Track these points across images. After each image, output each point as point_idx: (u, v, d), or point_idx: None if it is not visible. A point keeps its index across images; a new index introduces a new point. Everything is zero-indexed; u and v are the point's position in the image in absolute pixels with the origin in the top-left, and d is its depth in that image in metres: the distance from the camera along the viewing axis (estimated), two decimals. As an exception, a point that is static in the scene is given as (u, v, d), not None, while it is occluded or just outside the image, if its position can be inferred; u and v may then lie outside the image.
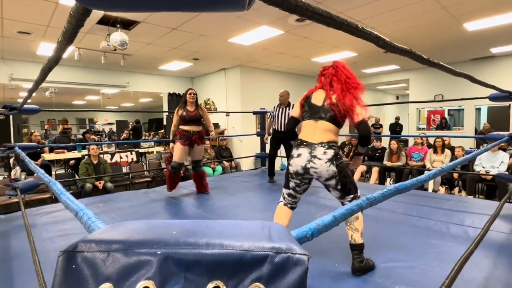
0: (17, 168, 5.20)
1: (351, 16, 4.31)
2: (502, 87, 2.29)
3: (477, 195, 4.80)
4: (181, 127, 3.44)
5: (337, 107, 1.67)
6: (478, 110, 8.62)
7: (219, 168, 6.44)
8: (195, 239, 0.32)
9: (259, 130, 5.37)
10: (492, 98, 2.57)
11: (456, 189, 5.00)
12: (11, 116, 4.74)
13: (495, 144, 2.15)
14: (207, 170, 6.30)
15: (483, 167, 4.64)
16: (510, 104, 7.38)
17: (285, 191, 1.87)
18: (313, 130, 1.71)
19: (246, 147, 7.83)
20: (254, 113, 5.45)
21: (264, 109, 5.16)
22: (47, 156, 5.95)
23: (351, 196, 1.73)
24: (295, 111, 1.90)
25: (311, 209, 2.88)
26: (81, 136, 7.52)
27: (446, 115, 8.90)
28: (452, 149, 5.35)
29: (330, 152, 1.64)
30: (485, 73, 7.20)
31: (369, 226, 2.34)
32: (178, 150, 3.42)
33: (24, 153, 2.42)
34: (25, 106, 2.74)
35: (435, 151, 5.25)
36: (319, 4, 3.91)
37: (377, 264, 1.74)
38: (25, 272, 1.76)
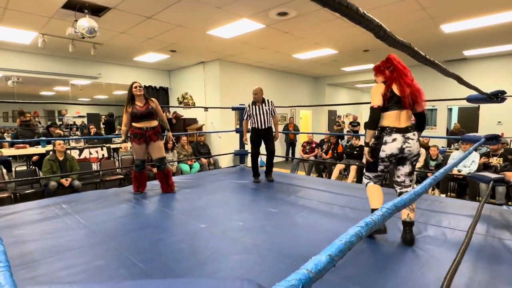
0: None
1: (331, 11, 4.25)
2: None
3: (449, 193, 4.95)
4: (133, 124, 3.18)
5: (409, 97, 1.98)
6: (450, 110, 8.96)
7: (196, 165, 6.24)
8: None
9: (238, 126, 5.23)
10: (470, 99, 2.58)
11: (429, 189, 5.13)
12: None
13: (476, 146, 2.15)
14: (184, 167, 6.07)
15: (455, 167, 4.78)
16: (479, 106, 7.70)
17: (371, 174, 2.18)
18: (399, 118, 2.02)
19: (225, 143, 7.65)
20: (234, 108, 5.30)
21: (243, 104, 5.02)
22: (7, 151, 5.48)
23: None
24: (378, 102, 2.00)
25: (291, 210, 2.80)
26: (45, 130, 7.00)
27: (420, 115, 9.17)
28: (427, 148, 5.48)
29: (416, 134, 2.06)
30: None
31: (338, 227, 2.29)
32: (135, 150, 3.26)
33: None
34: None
35: (411, 150, 5.34)
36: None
37: (354, 272, 1.67)
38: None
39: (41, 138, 5.53)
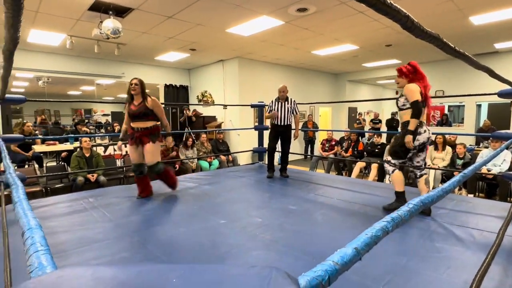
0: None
1: (351, 5, 4.15)
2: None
3: (477, 194, 4.72)
4: (131, 124, 2.98)
5: (429, 98, 2.50)
6: (479, 106, 8.53)
7: (215, 162, 6.31)
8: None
9: (257, 123, 5.24)
10: (502, 94, 2.44)
11: (456, 187, 4.92)
12: (-1, 106, 4.57)
13: (508, 144, 2.04)
14: (203, 164, 6.17)
15: (485, 165, 4.55)
16: (511, 101, 7.28)
17: (397, 161, 2.60)
18: (424, 114, 2.48)
19: (244, 141, 7.69)
20: (252, 106, 5.31)
21: (263, 102, 5.02)
22: (39, 147, 5.79)
23: None
24: (420, 98, 2.42)
25: (310, 208, 2.78)
26: (73, 128, 7.34)
27: (446, 111, 8.80)
28: (453, 145, 5.25)
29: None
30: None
31: (359, 225, 2.25)
32: (129, 152, 3.09)
33: (14, 144, 2.27)
34: (9, 96, 2.58)
35: (436, 148, 5.15)
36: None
37: (378, 271, 1.63)
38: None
39: (69, 135, 5.79)
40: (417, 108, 2.38)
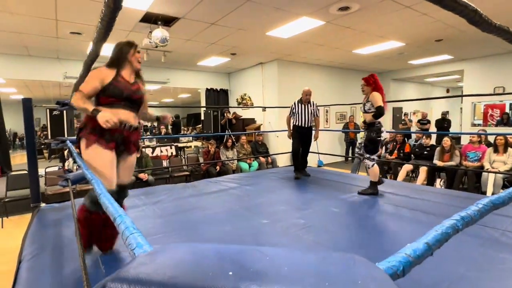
0: (70, 159, 5.62)
1: (397, 0, 3.96)
2: None
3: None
4: (106, 110, 1.63)
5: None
6: (548, 103, 7.58)
7: (255, 164, 6.40)
8: (260, 287, 0.23)
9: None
10: None
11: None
12: (64, 112, 5.11)
13: None
14: (243, 165, 6.29)
15: (557, 170, 4.03)
16: None
17: (375, 155, 3.15)
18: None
19: (282, 143, 7.69)
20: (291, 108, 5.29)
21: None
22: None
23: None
24: (382, 104, 3.02)
25: (353, 211, 2.70)
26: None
27: (507, 110, 7.94)
28: (517, 148, 4.73)
29: None
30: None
31: (408, 231, 2.12)
32: (102, 160, 1.69)
33: (75, 146, 2.55)
34: (75, 102, 2.89)
35: (496, 150, 4.68)
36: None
37: (435, 280, 1.54)
38: (74, 261, 1.84)
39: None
40: (380, 111, 2.99)
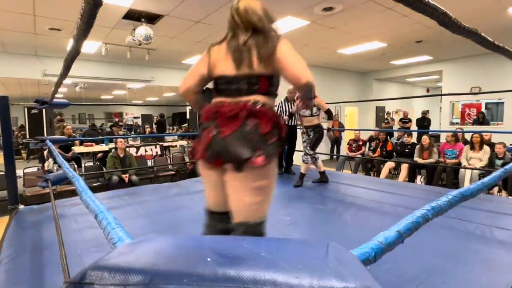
0: (50, 160, 5.45)
1: (379, 2, 4.06)
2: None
3: (519, 196, 4.42)
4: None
5: None
6: (521, 103, 7.95)
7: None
8: (237, 272, 0.24)
9: (282, 124, 5.32)
10: (546, 89, 2.29)
11: (496, 189, 4.64)
12: (43, 110, 4.94)
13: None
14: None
15: (528, 166, 4.25)
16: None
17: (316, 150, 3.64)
18: None
19: (269, 141, 7.72)
20: (278, 107, 5.34)
21: (288, 103, 5.05)
22: (77, 148, 6.19)
23: None
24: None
25: (338, 208, 2.76)
26: (109, 129, 7.77)
27: (483, 109, 8.30)
28: (491, 145, 4.96)
29: None
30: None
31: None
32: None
33: (55, 145, 2.48)
34: (55, 100, 2.81)
35: (472, 148, 4.89)
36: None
37: (413, 272, 1.60)
38: (54, 263, 1.79)
39: (104, 137, 6.14)
40: (330, 113, 3.67)
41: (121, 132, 7.96)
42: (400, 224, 0.42)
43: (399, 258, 1.55)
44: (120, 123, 11.92)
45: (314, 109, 3.61)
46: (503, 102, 7.87)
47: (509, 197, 4.27)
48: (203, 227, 1.34)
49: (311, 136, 3.58)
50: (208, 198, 1.29)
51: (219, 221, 1.27)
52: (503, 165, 4.60)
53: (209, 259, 0.26)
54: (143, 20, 4.34)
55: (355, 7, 4.25)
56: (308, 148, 3.58)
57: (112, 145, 5.96)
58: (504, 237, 2.03)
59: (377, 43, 6.30)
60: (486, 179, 0.72)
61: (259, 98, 1.16)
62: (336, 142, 8.88)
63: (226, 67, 1.20)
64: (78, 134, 10.40)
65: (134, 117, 14.61)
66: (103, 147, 6.27)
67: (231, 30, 1.24)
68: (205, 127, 1.18)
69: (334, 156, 8.47)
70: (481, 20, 4.88)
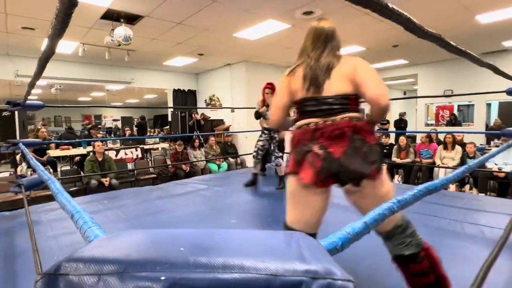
0: (23, 164, 5.21)
1: (357, 7, 4.19)
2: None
3: (488, 193, 4.68)
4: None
5: None
6: (489, 105, 8.42)
7: (224, 165, 6.39)
8: (208, 259, 0.26)
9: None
10: (510, 92, 2.46)
11: (467, 187, 4.89)
12: (16, 113, 4.74)
13: (516, 140, 2.05)
14: (213, 166, 6.25)
15: (496, 164, 4.51)
16: (522, 99, 7.18)
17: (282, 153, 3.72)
18: None
19: (252, 143, 7.75)
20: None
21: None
22: (53, 152, 5.96)
23: None
24: None
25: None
26: (87, 132, 7.53)
27: (455, 111, 8.72)
28: (463, 145, 5.22)
29: None
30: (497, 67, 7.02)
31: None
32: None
33: (29, 149, 2.38)
34: (28, 102, 2.70)
35: (445, 148, 5.13)
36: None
37: (389, 268, 1.66)
38: (29, 272, 1.73)
39: (82, 139, 5.95)
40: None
41: (99, 135, 7.73)
42: (368, 216, 0.45)
43: (376, 254, 1.60)
44: (99, 126, 11.57)
45: None
46: (473, 104, 8.31)
47: (480, 194, 4.51)
48: None
49: (276, 138, 3.69)
50: (297, 218, 1.27)
51: None
52: (474, 164, 4.86)
53: (182, 249, 0.27)
54: (122, 20, 4.26)
55: (334, 12, 4.37)
56: (277, 151, 3.68)
57: (90, 148, 5.78)
58: (473, 231, 2.14)
59: (356, 47, 6.49)
60: (450, 175, 0.77)
61: (354, 115, 1.21)
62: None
63: (311, 89, 1.26)
64: (53, 137, 10.01)
65: (114, 120, 14.23)
66: (81, 150, 6.07)
67: (310, 51, 1.38)
68: (305, 150, 1.17)
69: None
70: (450, 26, 5.14)
